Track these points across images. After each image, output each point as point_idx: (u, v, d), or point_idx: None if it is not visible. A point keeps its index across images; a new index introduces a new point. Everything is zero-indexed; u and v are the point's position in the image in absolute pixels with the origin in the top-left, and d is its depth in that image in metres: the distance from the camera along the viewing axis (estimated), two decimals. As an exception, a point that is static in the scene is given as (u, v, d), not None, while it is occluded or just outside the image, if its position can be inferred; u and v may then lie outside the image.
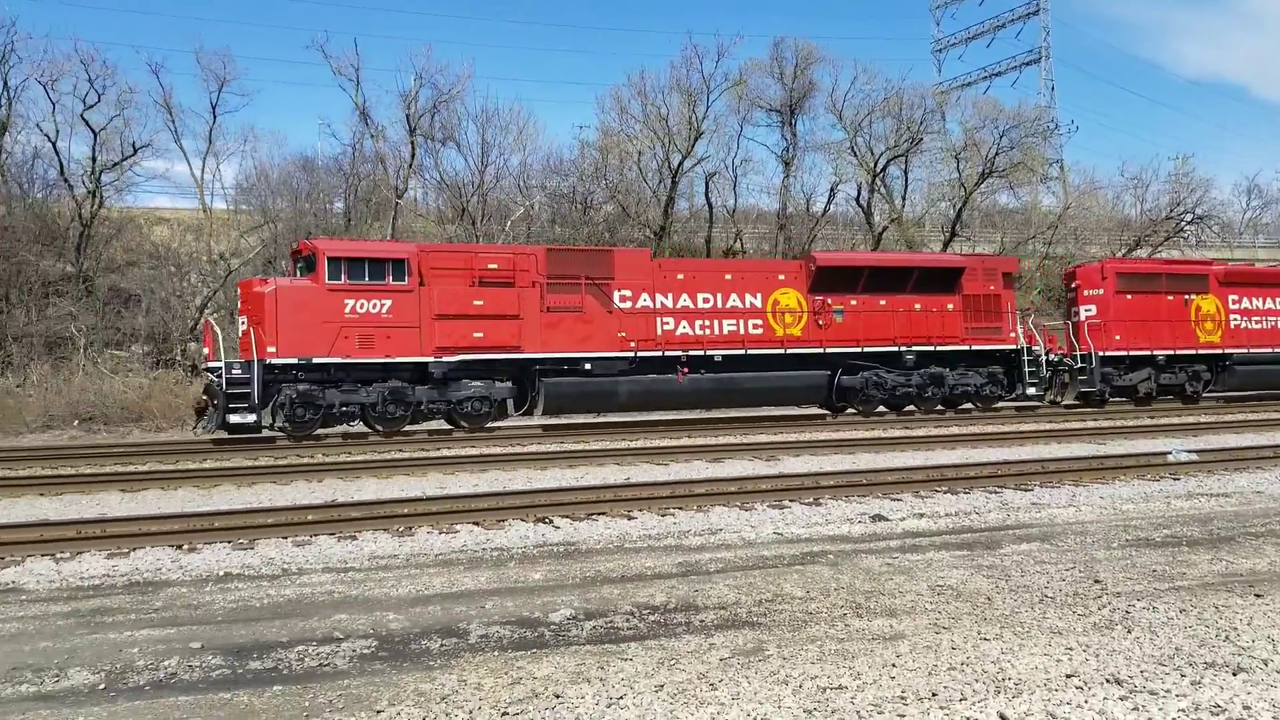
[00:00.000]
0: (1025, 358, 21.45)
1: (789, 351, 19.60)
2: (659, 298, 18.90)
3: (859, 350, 20.16)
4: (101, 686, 4.93)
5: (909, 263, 22.00)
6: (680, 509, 9.66)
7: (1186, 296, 23.84)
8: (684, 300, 19.11)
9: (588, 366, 18.12)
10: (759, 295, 19.67)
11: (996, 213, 42.82)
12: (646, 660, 5.22)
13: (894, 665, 5.04)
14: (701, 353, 18.88)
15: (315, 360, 16.16)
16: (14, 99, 29.35)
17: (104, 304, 27.06)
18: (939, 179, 39.91)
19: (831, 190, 37.80)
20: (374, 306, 16.65)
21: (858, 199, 38.17)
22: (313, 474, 12.63)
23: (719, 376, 19.03)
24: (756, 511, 9.64)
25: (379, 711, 4.53)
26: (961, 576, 6.99)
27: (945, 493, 10.62)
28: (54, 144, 29.31)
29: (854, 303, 20.24)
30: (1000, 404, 21.72)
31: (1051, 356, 22.25)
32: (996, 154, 37.47)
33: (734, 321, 19.37)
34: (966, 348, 21.02)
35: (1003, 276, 21.98)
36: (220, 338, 16.19)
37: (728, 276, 19.79)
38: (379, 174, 33.03)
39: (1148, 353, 23.11)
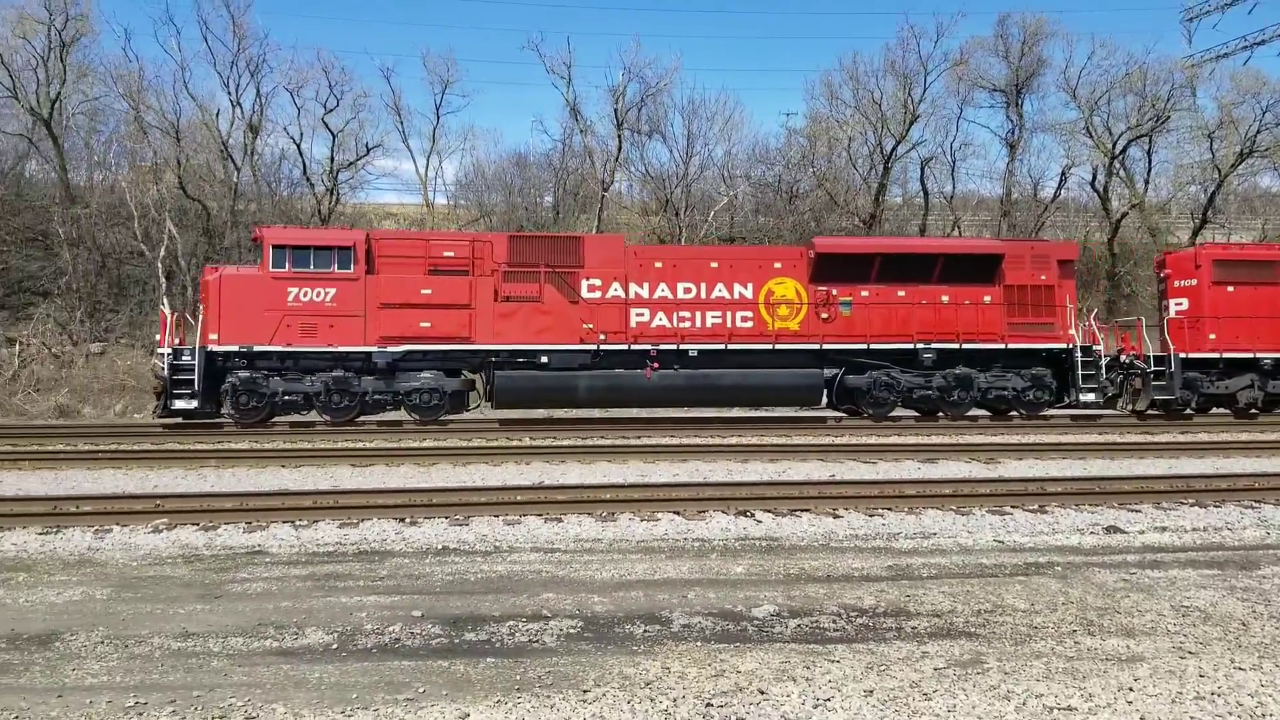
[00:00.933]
0: (1080, 358, 18.51)
1: (778, 347, 18.00)
2: (633, 287, 17.88)
3: (864, 347, 18.24)
4: (334, 647, 5.36)
5: (932, 249, 19.70)
6: (890, 510, 9.29)
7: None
8: (662, 290, 17.99)
9: (544, 360, 17.41)
10: (750, 285, 18.25)
11: (1257, 197, 38.31)
12: (855, 663, 5.05)
13: (1131, 689, 4.59)
14: (674, 347, 17.71)
15: (256, 348, 16.30)
16: (265, 105, 32.78)
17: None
18: (1188, 160, 36.17)
19: (1063, 174, 35.31)
20: (317, 295, 16.58)
21: (1092, 183, 35.37)
22: (522, 457, 13.23)
23: (694, 373, 17.75)
24: (974, 516, 9.12)
25: (585, 691, 4.64)
26: (1211, 598, 6.28)
27: (1192, 505, 9.58)
28: (298, 146, 32.49)
29: (865, 294, 18.39)
30: (1050, 411, 19.14)
31: (1123, 359, 19.60)
32: (1258, 131, 33.55)
33: (719, 313, 18.07)
34: (1002, 346, 18.53)
35: (1058, 265, 19.15)
36: (170, 324, 16.38)
37: (713, 265, 18.35)
38: (587, 168, 34.14)
39: (1249, 355, 19.37)
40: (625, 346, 17.56)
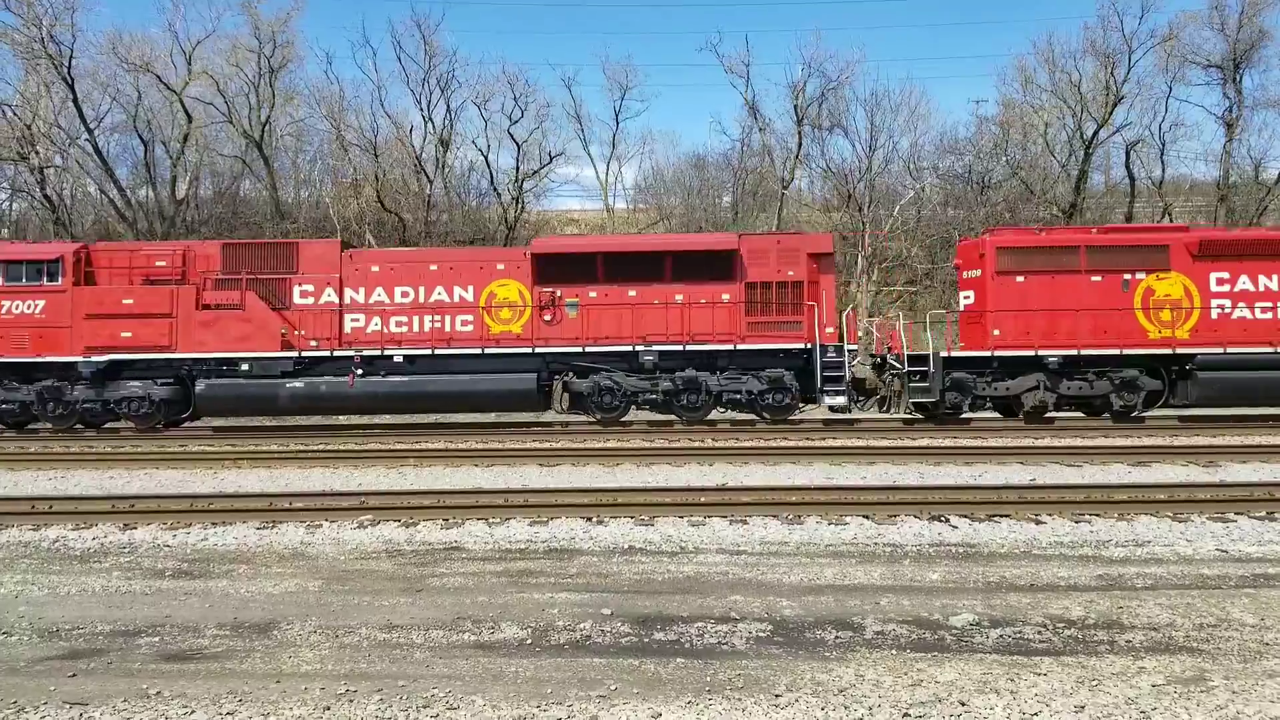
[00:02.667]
0: (821, 359, 17.08)
1: (488, 351, 17.32)
2: (349, 292, 17.63)
3: (580, 350, 17.35)
4: (529, 642, 5.53)
5: (658, 246, 18.68)
6: (1098, 515, 8.66)
7: (1129, 275, 17.89)
8: (379, 295, 17.63)
9: (245, 367, 17.24)
10: (470, 288, 17.76)
11: None
12: (1063, 677, 4.73)
13: None
14: (379, 352, 17.23)
15: None
16: (455, 120, 34.64)
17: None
18: None
19: (1287, 154, 31.65)
20: (28, 307, 17.23)
21: (1326, 159, 31.48)
22: (705, 458, 13.25)
23: (399, 380, 17.20)
24: (1193, 524, 8.38)
25: (777, 696, 4.56)
26: None
27: None
28: (485, 157, 34.15)
29: (593, 294, 17.56)
30: (797, 415, 17.68)
31: (889, 359, 17.95)
32: None
33: (437, 317, 17.59)
34: (734, 346, 17.28)
35: (810, 258, 17.78)
36: None
37: (432, 268, 17.86)
38: (765, 166, 33.89)
39: (1031, 353, 17.45)
40: (329, 353, 17.33)
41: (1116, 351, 17.38)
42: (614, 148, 35.62)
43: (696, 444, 15.08)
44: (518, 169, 33.88)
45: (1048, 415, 17.70)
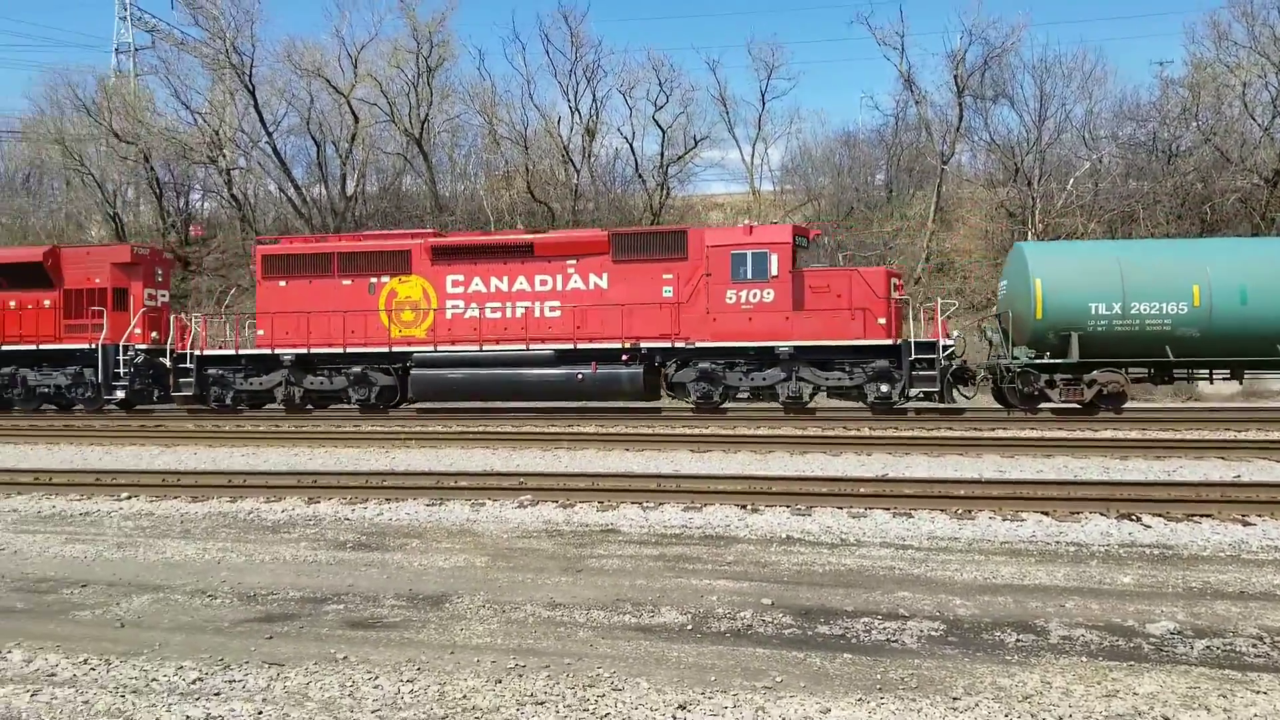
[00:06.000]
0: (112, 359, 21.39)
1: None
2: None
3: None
4: (689, 627, 5.54)
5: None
6: (1319, 518, 7.84)
7: (374, 280, 20.26)
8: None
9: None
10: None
11: None
12: (1289, 699, 4.30)
13: None
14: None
15: None
16: (600, 109, 35.10)
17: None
18: None
19: None
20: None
21: None
22: (862, 447, 12.93)
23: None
24: None
25: (955, 699, 4.37)
26: None
27: None
28: (630, 144, 34.43)
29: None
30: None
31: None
32: None
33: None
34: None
35: (114, 268, 21.89)
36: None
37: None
38: (923, 142, 32.68)
39: (266, 351, 20.39)
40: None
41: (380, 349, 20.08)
42: (759, 129, 35.21)
43: (852, 433, 14.74)
44: (662, 155, 34.02)
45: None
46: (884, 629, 5.42)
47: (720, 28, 76.82)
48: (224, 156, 33.76)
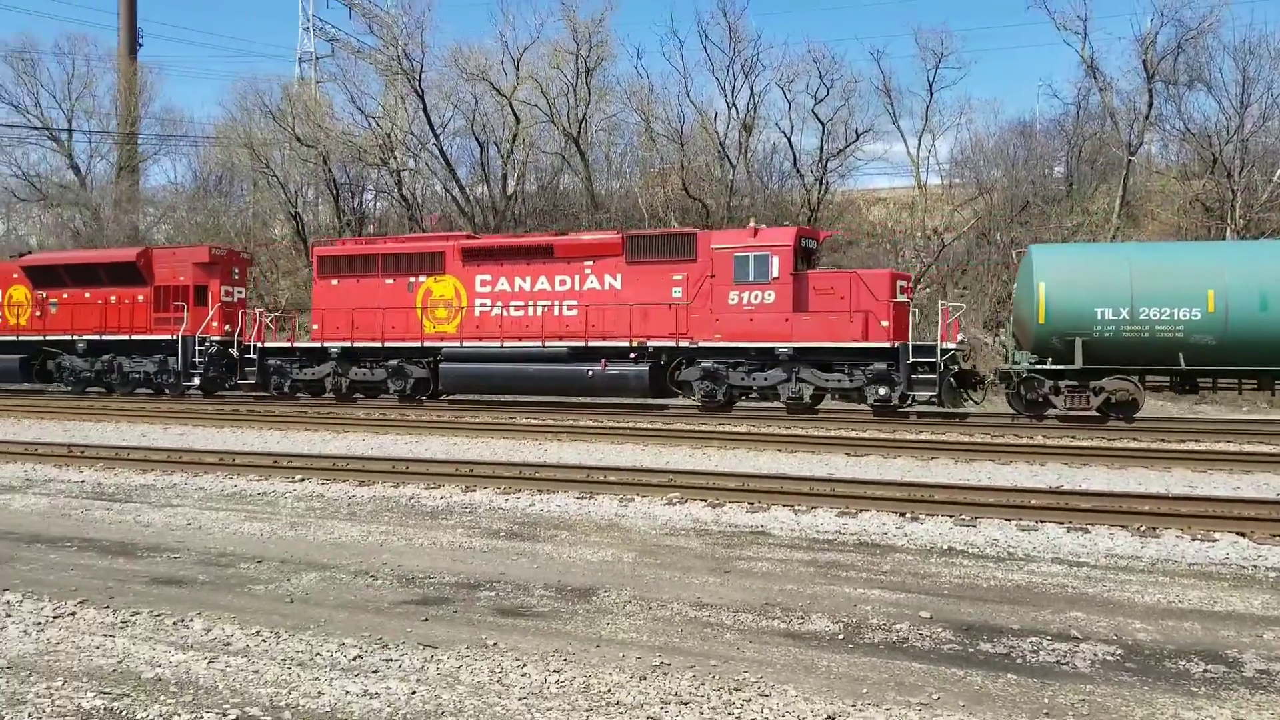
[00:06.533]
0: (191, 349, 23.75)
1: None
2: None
3: (44, 338, 24.70)
4: (840, 637, 5.38)
5: (95, 260, 25.52)
6: None
7: (413, 279, 21.96)
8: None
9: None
10: None
11: None
12: None
13: None
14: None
15: None
16: (758, 103, 34.76)
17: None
18: None
19: None
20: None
21: None
22: (1035, 456, 12.26)
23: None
24: None
25: (1134, 732, 4.06)
26: None
27: None
28: (789, 139, 33.94)
29: (65, 295, 24.39)
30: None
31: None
32: None
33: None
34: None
35: (195, 266, 24.24)
36: None
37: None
38: (1107, 131, 30.67)
39: (317, 345, 22.72)
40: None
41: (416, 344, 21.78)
42: (926, 120, 33.86)
43: (1024, 440, 14.01)
44: (821, 149, 33.34)
45: None
46: (1054, 650, 5.09)
47: (885, 17, 74.68)
48: (395, 158, 35.59)
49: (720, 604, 5.99)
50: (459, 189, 36.49)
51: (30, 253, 31.38)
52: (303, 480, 10.61)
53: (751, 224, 19.83)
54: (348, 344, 21.99)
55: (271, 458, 11.84)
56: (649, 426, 15.90)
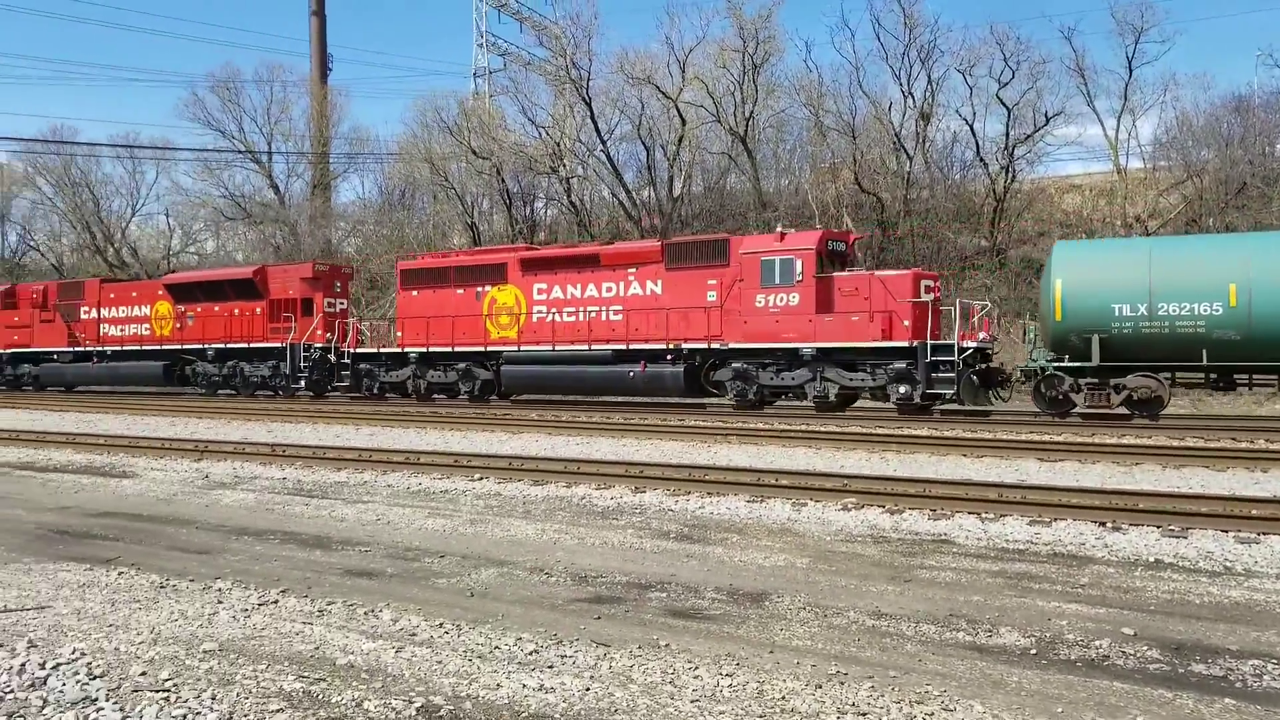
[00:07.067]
0: (298, 355, 26.71)
1: (144, 348, 29.94)
2: (100, 311, 31.52)
3: (183, 347, 29.35)
4: (1032, 652, 5.10)
5: (221, 277, 30.07)
6: None
7: (480, 289, 23.86)
8: (110, 312, 31.20)
9: (54, 358, 32.65)
10: (147, 306, 30.50)
11: None
12: None
13: None
14: (99, 348, 31.04)
15: None
16: (936, 91, 33.52)
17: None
18: None
19: None
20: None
21: None
22: (1254, 462, 11.22)
23: (112, 366, 31.19)
24: None
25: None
26: None
27: None
28: (970, 126, 32.54)
29: (199, 309, 29.02)
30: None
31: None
32: None
33: (132, 327, 30.65)
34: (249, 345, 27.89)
35: (302, 281, 27.36)
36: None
37: (133, 294, 31.19)
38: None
39: (399, 350, 24.87)
40: (86, 349, 31.90)
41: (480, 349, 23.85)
42: (1125, 100, 31.63)
43: (1242, 445, 12.85)
44: (1007, 135, 31.74)
45: None
46: (1275, 674, 4.63)
47: (1076, -9, 70.27)
48: (564, 166, 36.68)
49: (900, 614, 5.81)
50: (625, 193, 37.18)
51: (174, 271, 36.78)
52: (481, 479, 11.09)
53: (779, 229, 20.53)
54: (424, 349, 24.20)
55: (452, 457, 12.45)
56: (822, 430, 15.64)
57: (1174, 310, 15.87)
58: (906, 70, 33.63)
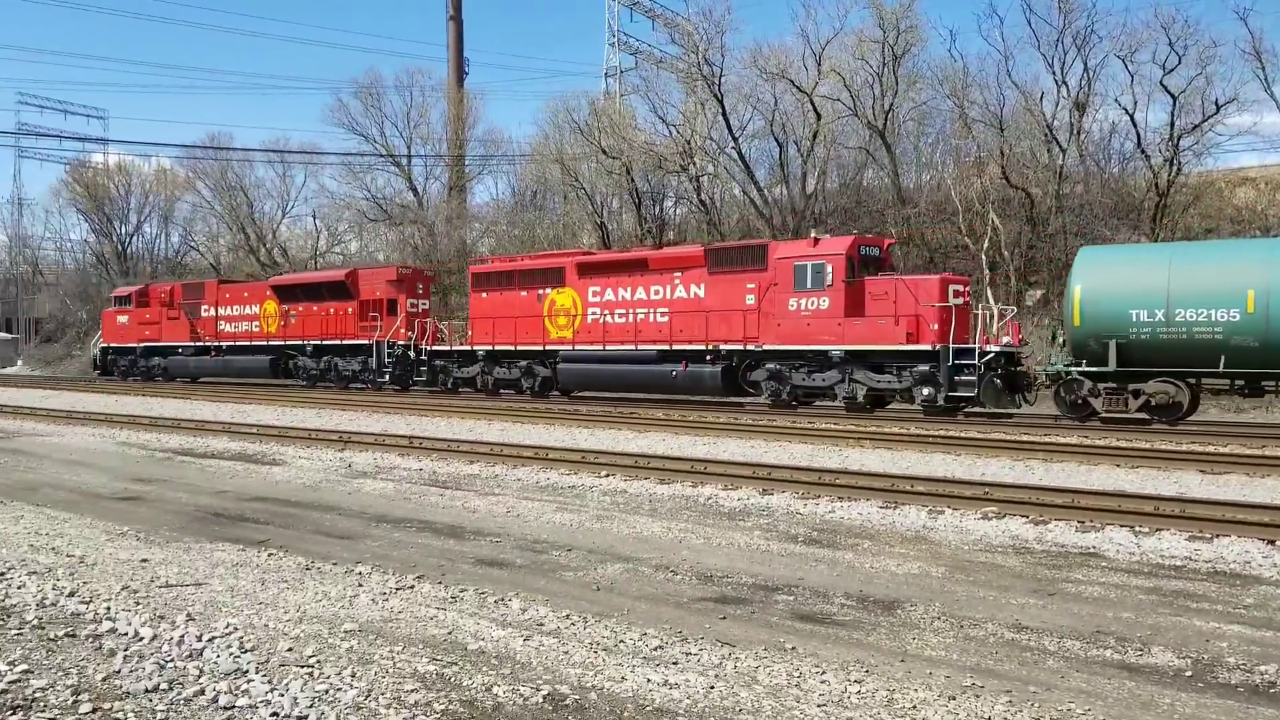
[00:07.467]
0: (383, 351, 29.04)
1: (254, 343, 33.69)
2: (217, 309, 35.29)
3: (285, 343, 32.64)
4: (1188, 674, 4.83)
5: (319, 280, 33.16)
6: None
7: (541, 291, 25.22)
8: (225, 310, 35.10)
9: (179, 351, 36.56)
10: (256, 305, 33.97)
11: None
12: None
13: None
14: (216, 343, 35.06)
15: None
16: (1093, 79, 31.91)
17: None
18: None
19: None
20: None
21: None
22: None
23: (226, 359, 34.72)
24: None
25: None
26: None
27: None
28: (1131, 116, 30.84)
29: (300, 308, 32.14)
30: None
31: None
32: None
33: (244, 324, 34.46)
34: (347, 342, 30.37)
35: (388, 283, 29.90)
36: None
37: (245, 294, 34.80)
38: None
39: (468, 348, 26.85)
40: (205, 343, 35.49)
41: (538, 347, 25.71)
42: (1309, 84, 29.33)
43: None
44: (1172, 125, 29.87)
45: None
46: None
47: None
48: (694, 164, 36.74)
49: (1042, 628, 5.59)
50: (757, 191, 36.95)
51: (281, 274, 40.64)
52: (608, 476, 11.26)
53: (813, 234, 21.49)
54: (490, 347, 26.21)
55: (580, 454, 12.69)
56: (962, 436, 15.16)
57: (1192, 316, 16.06)
58: (1060, 58, 32.15)
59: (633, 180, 38.84)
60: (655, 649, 5.12)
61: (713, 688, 4.54)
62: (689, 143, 36.74)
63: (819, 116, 34.75)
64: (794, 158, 36.63)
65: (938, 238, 32.25)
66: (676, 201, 42.02)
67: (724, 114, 36.04)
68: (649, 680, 4.62)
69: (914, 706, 4.34)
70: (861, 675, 4.74)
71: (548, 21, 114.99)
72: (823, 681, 4.64)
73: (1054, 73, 32.34)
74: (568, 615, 5.72)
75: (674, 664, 4.88)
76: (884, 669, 4.86)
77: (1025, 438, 14.84)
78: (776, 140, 36.35)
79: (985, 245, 29.21)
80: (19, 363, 61.38)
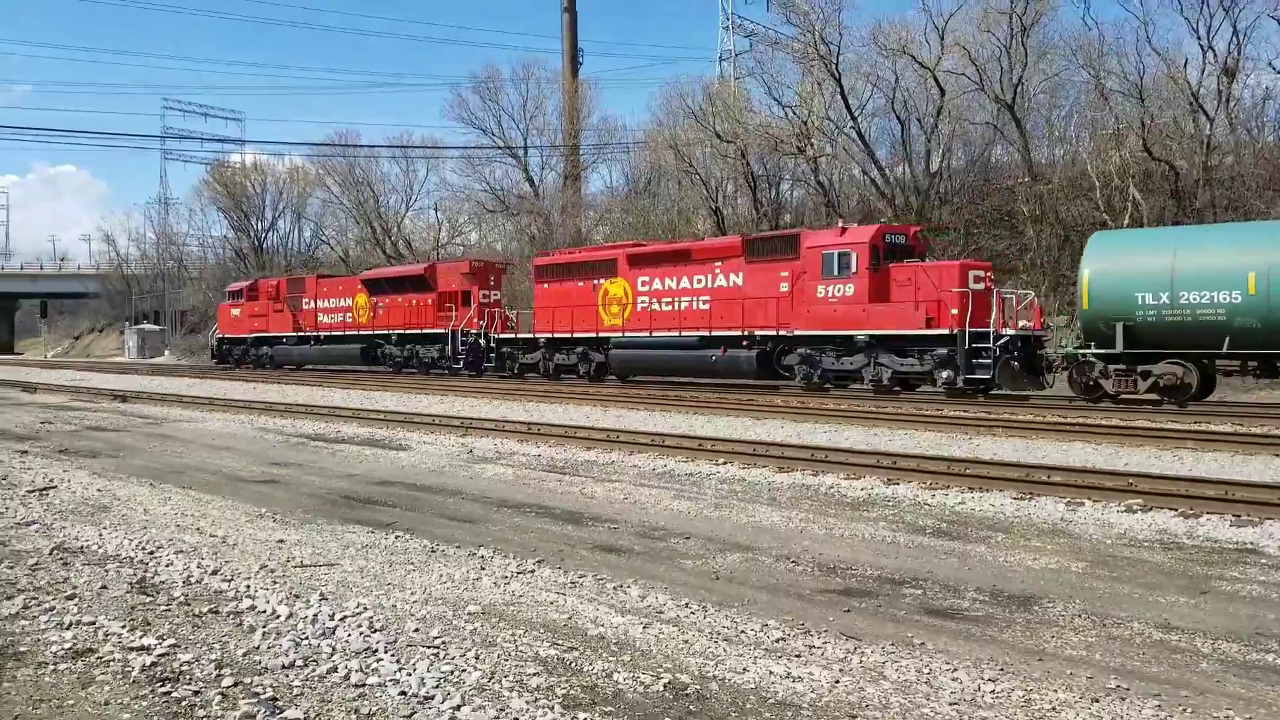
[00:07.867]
0: (458, 339, 31.61)
1: (347, 333, 36.92)
2: (316, 301, 38.61)
3: (374, 333, 35.62)
4: (1366, 682, 4.45)
5: (402, 274, 36.19)
6: None
7: (596, 281, 26.76)
8: (323, 303, 38.38)
9: (284, 341, 40.30)
10: (349, 298, 36.73)
11: None
12: None
13: None
14: (315, 333, 38.44)
15: None
16: (1243, 42, 29.87)
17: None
18: None
19: None
20: None
21: None
22: None
23: (324, 348, 38.35)
24: None
25: None
26: None
27: None
28: (1291, 81, 28.69)
29: (386, 300, 34.90)
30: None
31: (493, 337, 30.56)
32: None
33: (339, 315, 37.46)
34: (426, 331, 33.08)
35: (462, 276, 32.57)
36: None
37: (340, 288, 37.99)
38: None
39: (531, 335, 28.76)
40: (307, 333, 38.80)
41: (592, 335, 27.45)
42: None
43: None
44: (1338, 89, 27.74)
45: None
46: None
47: None
48: (811, 146, 36.10)
49: (1194, 628, 5.26)
50: (878, 171, 36.09)
51: (370, 268, 43.73)
52: (725, 464, 11.19)
53: (840, 224, 22.86)
54: (550, 335, 27.97)
55: (697, 440, 12.64)
56: (1104, 424, 14.45)
57: (1195, 299, 16.51)
58: (1206, 21, 30.28)
59: (748, 164, 38.44)
60: (777, 641, 5.03)
61: (838, 682, 4.43)
62: (805, 124, 36.12)
63: (943, 92, 33.66)
64: (916, 136, 35.62)
65: (1072, 214, 30.79)
66: (793, 184, 41.41)
67: (842, 93, 35.29)
68: (771, 672, 4.55)
69: (1053, 709, 4.14)
70: (995, 674, 4.55)
71: (662, 7, 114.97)
72: (954, 679, 4.47)
73: (1199, 37, 30.49)
74: (687, 604, 5.69)
75: (797, 656, 4.79)
76: (1020, 668, 4.65)
77: (1172, 425, 14.03)
78: (898, 118, 35.40)
79: (1125, 222, 27.72)
80: (166, 352, 65.45)
